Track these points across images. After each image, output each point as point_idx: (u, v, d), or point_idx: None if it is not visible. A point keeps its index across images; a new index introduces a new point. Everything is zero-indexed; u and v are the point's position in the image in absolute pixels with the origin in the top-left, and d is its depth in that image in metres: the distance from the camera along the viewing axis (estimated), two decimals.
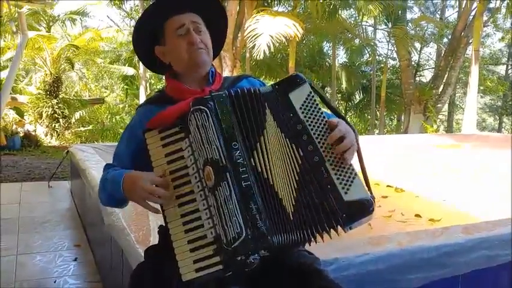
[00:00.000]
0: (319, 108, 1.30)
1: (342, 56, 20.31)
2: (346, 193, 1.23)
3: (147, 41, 1.54)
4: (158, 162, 1.33)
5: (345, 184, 1.24)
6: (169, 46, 1.50)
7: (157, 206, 1.36)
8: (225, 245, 1.19)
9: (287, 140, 1.27)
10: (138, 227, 2.28)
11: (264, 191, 1.24)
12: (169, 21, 1.49)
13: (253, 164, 1.25)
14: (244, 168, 1.23)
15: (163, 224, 1.55)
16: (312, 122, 1.29)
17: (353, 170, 1.26)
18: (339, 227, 1.23)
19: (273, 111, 1.30)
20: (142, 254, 1.84)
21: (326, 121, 1.29)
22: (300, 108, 1.30)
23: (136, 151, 1.48)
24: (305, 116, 1.29)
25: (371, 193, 1.27)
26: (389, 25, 15.49)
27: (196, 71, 1.51)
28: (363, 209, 1.23)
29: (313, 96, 1.31)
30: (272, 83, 1.40)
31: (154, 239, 2.08)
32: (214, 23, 1.58)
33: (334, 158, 1.26)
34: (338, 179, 1.24)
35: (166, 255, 1.34)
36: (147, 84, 16.24)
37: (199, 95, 1.40)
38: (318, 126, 1.28)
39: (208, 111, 1.26)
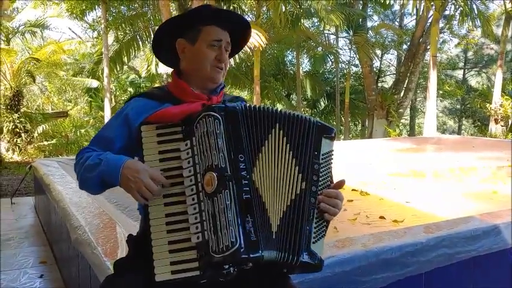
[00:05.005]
0: (331, 166, 1.43)
1: (305, 64, 20.62)
2: (313, 243, 1.32)
3: (174, 31, 1.55)
4: (150, 158, 1.33)
5: (316, 236, 1.34)
6: (198, 50, 1.52)
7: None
8: (213, 252, 1.20)
9: (296, 168, 1.33)
10: (105, 239, 2.25)
11: (258, 206, 1.27)
12: (209, 28, 1.51)
13: (254, 179, 1.28)
14: (247, 182, 1.26)
15: (132, 234, 1.55)
16: (323, 171, 1.38)
17: (325, 230, 1.39)
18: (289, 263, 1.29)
19: (286, 133, 1.35)
20: (110, 267, 1.83)
21: (331, 179, 1.43)
22: (323, 154, 1.39)
23: (127, 139, 1.48)
24: (322, 164, 1.38)
25: None
26: (351, 33, 15.82)
27: (206, 84, 1.55)
28: (314, 265, 1.32)
29: (332, 154, 1.43)
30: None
31: (122, 251, 2.07)
32: (233, 51, 1.65)
33: (321, 211, 1.36)
34: (315, 227, 1.34)
35: (136, 265, 1.33)
36: (112, 97, 15.99)
37: (206, 102, 1.44)
38: (324, 179, 1.39)
39: (221, 119, 1.28)
